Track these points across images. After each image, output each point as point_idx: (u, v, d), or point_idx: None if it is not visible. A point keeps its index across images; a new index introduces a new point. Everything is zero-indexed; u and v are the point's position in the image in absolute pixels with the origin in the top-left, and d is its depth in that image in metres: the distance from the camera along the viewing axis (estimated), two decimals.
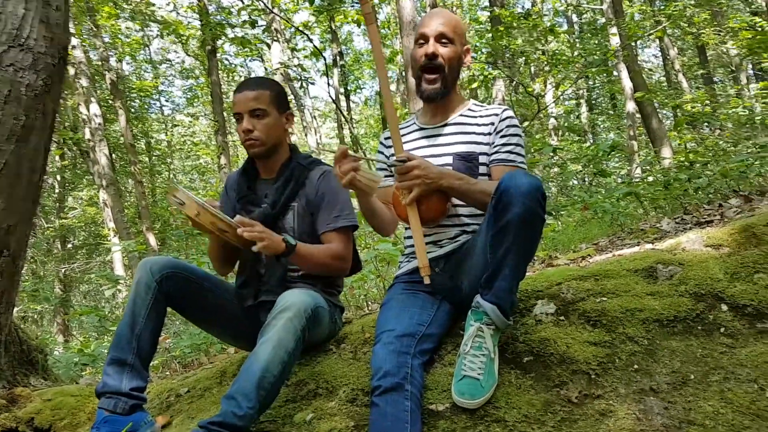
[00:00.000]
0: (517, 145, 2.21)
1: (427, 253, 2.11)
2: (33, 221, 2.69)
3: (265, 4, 8.38)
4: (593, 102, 25.84)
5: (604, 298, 2.15)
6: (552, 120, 16.28)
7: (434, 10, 2.35)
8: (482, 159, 2.20)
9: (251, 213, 2.38)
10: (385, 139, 2.41)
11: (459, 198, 2.13)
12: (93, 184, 16.12)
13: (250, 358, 1.90)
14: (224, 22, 9.79)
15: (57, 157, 18.91)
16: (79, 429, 2.40)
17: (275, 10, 9.43)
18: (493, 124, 2.22)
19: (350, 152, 1.98)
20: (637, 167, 6.66)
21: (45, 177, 2.73)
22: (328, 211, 2.35)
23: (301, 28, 8.61)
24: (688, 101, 9.89)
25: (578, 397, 1.87)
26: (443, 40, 2.17)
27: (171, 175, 22.25)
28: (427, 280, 2.05)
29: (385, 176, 2.38)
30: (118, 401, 2.06)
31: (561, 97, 15.84)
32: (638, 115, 11.47)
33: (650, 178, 7.82)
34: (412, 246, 2.30)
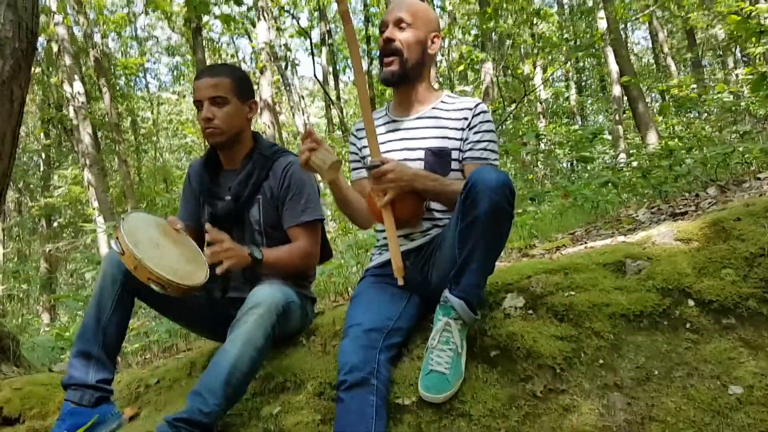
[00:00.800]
0: (490, 141, 2.19)
1: (399, 246, 2.11)
2: (2, 208, 2.65)
3: None
4: (582, 84, 25.86)
5: (572, 293, 2.15)
6: (540, 103, 16.25)
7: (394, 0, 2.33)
8: (454, 155, 2.18)
9: (214, 206, 2.35)
10: (357, 130, 2.38)
11: (433, 199, 2.14)
12: (77, 163, 15.97)
13: (219, 354, 1.89)
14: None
15: (42, 135, 18.75)
16: (48, 418, 2.39)
17: None
18: (466, 119, 2.19)
19: (313, 135, 1.98)
20: (620, 153, 6.67)
21: (14, 163, 2.69)
22: (294, 205, 2.31)
23: (287, 8, 8.49)
24: (675, 85, 9.87)
25: (543, 392, 1.89)
26: (401, 25, 2.16)
27: (158, 154, 22.10)
28: (401, 282, 2.05)
29: (354, 169, 2.36)
30: (84, 393, 2.06)
31: (550, 80, 15.83)
32: (625, 99, 11.47)
33: (634, 163, 7.86)
34: (385, 239, 2.29)
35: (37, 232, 20.80)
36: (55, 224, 20.67)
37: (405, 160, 2.17)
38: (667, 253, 2.21)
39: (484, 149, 2.18)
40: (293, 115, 17.27)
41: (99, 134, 16.98)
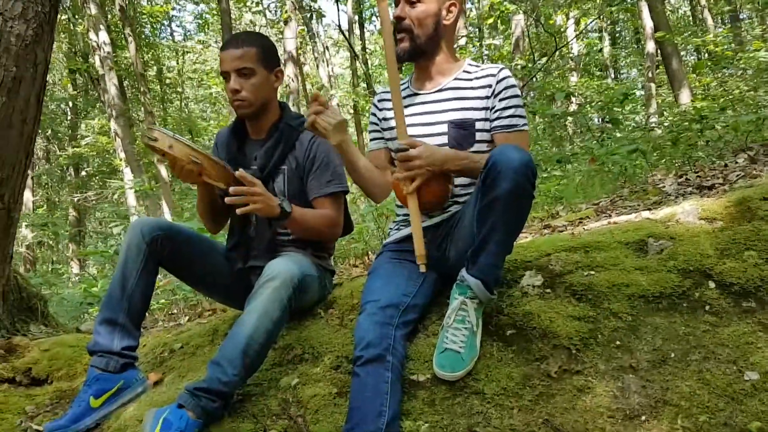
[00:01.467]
0: (517, 106, 2.15)
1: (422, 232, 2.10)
2: (27, 173, 2.69)
3: None
4: (617, 35, 25.10)
5: (592, 272, 2.14)
6: (573, 54, 15.85)
7: None
8: (479, 125, 2.15)
9: None
10: (379, 101, 2.35)
11: (465, 176, 2.11)
12: (104, 112, 16.08)
13: (236, 325, 1.93)
14: None
15: (69, 85, 18.84)
16: (75, 380, 2.47)
17: None
18: (490, 86, 2.15)
19: (319, 98, 1.99)
20: (652, 116, 6.50)
21: (39, 126, 2.71)
22: (320, 176, 2.32)
23: None
24: (711, 41, 9.54)
25: (557, 372, 1.89)
26: (411, 1, 2.12)
27: (183, 104, 22.13)
28: (423, 269, 2.05)
29: (372, 139, 2.35)
30: (109, 360, 2.12)
31: (583, 31, 15.39)
32: (658, 56, 11.14)
33: (666, 123, 7.68)
34: (404, 215, 2.29)
35: (65, 181, 21.13)
36: (83, 173, 20.96)
37: (428, 135, 2.15)
38: (690, 233, 2.18)
39: (512, 116, 2.14)
40: (317, 66, 17.09)
41: (125, 84, 17.03)
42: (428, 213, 2.19)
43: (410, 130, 2.14)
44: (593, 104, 6.85)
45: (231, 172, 2.13)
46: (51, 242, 17.97)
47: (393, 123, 2.11)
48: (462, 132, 2.14)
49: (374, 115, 2.36)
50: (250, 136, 2.44)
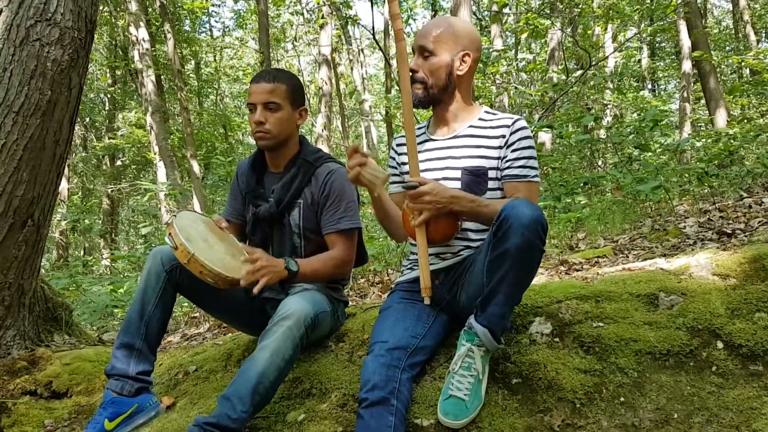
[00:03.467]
0: (529, 158, 2.18)
1: (429, 264, 2.14)
2: (57, 192, 2.79)
3: None
4: (655, 46, 24.72)
5: (601, 324, 2.15)
6: (608, 69, 15.68)
7: (429, 21, 2.32)
8: (491, 174, 2.18)
9: (258, 208, 2.43)
10: (397, 145, 2.40)
11: (471, 219, 2.16)
12: (141, 105, 16.37)
13: (248, 362, 1.99)
14: None
15: (107, 80, 19.22)
16: (94, 395, 2.56)
17: None
18: (504, 136, 2.18)
19: (361, 150, 2.03)
20: (685, 143, 6.41)
21: (71, 147, 2.81)
22: (333, 212, 2.38)
23: None
24: (750, 62, 9.36)
25: (560, 426, 1.92)
26: (425, 54, 2.18)
27: (218, 99, 22.39)
28: (427, 301, 2.09)
29: (392, 183, 2.39)
30: (125, 384, 2.20)
31: (621, 45, 15.21)
32: (695, 72, 10.97)
33: (698, 144, 7.58)
34: (416, 254, 2.33)
35: (100, 169, 21.55)
36: (119, 163, 21.35)
37: (442, 179, 2.19)
38: (702, 290, 2.18)
39: (523, 166, 2.17)
40: (352, 68, 17.18)
41: (162, 77, 17.31)
42: (438, 255, 2.23)
43: (425, 175, 2.18)
44: (625, 126, 6.78)
45: (237, 280, 2.15)
46: (85, 228, 18.32)
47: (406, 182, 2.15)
48: (475, 179, 2.17)
49: (393, 159, 2.42)
50: (269, 169, 2.52)
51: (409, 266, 2.37)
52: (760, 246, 2.34)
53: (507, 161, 2.17)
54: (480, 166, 2.18)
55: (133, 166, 21.22)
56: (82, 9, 2.70)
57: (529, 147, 2.19)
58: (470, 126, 2.24)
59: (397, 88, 16.47)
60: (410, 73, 2.17)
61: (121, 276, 7.11)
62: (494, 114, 2.26)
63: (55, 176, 2.75)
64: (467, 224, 2.20)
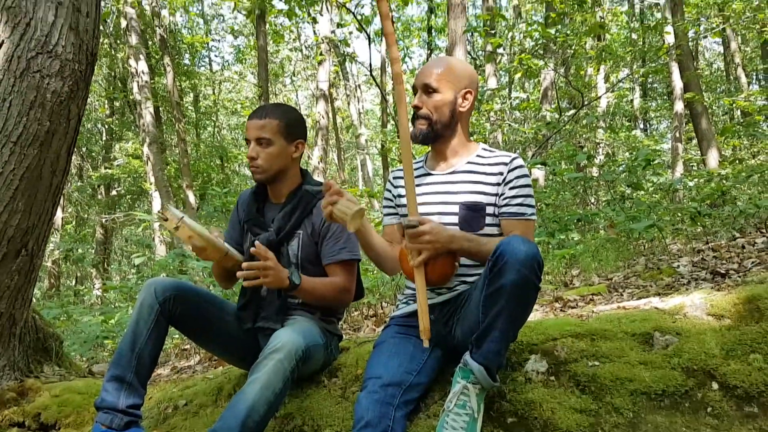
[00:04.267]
0: (527, 196, 2.20)
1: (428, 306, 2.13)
2: (52, 222, 2.78)
3: None
4: (647, 87, 25.08)
5: (597, 362, 2.14)
6: (601, 108, 15.88)
7: (430, 60, 2.36)
8: (489, 209, 2.20)
9: (257, 236, 2.44)
10: (394, 178, 2.42)
11: (468, 258, 2.16)
12: (139, 135, 16.45)
13: (237, 396, 1.97)
14: None
15: (106, 111, 19.34)
16: (83, 428, 2.52)
17: None
18: (501, 173, 2.20)
19: (333, 186, 2.02)
20: (678, 182, 6.48)
21: (68, 177, 2.82)
22: (333, 243, 2.39)
23: (347, 5, 8.52)
24: (742, 105, 9.50)
25: None
26: (429, 90, 2.22)
27: (216, 131, 22.51)
28: (426, 344, 2.07)
29: (386, 214, 2.40)
30: (114, 417, 2.16)
31: (612, 81, 15.43)
32: (687, 113, 11.11)
33: (690, 184, 7.64)
34: (412, 289, 2.32)
35: (95, 199, 21.53)
36: (114, 193, 21.35)
37: (440, 213, 2.20)
38: (697, 330, 2.18)
39: (520, 204, 2.19)
40: (348, 102, 17.33)
41: (161, 108, 17.43)
42: (433, 290, 2.22)
43: (422, 209, 2.19)
44: (618, 164, 6.86)
45: (237, 257, 2.24)
46: (77, 258, 18.22)
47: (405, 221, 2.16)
48: (472, 214, 2.18)
49: (389, 191, 2.43)
50: (270, 200, 2.54)
51: (404, 300, 2.37)
52: (754, 287, 2.34)
53: (504, 199, 2.19)
54: (477, 201, 2.19)
55: (128, 196, 21.22)
56: (83, 42, 2.73)
57: (526, 185, 2.21)
58: (468, 162, 2.26)
59: (393, 123, 16.63)
60: (414, 110, 2.21)
61: (113, 306, 7.05)
62: (492, 151, 2.29)
63: (50, 206, 2.75)
64: (463, 259, 2.20)
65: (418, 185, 2.27)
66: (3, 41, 2.61)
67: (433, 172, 2.31)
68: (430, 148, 2.36)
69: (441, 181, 2.27)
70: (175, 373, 3.75)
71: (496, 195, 2.20)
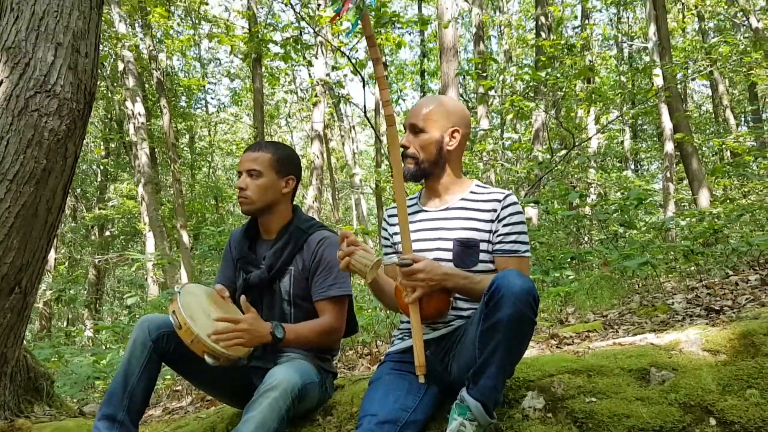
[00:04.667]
0: (520, 233, 2.21)
1: (423, 342, 2.12)
2: (46, 259, 2.78)
3: (308, 23, 8.47)
4: (638, 129, 25.42)
5: (594, 399, 2.13)
6: (592, 149, 16.09)
7: (419, 100, 2.41)
8: (483, 246, 2.21)
9: (249, 274, 2.44)
10: (389, 216, 2.43)
11: (462, 295, 2.17)
12: (134, 176, 16.51)
13: None
14: (269, 38, 9.91)
15: (102, 152, 19.44)
16: None
17: (319, 29, 9.53)
18: (495, 210, 2.22)
19: (348, 239, 2.04)
20: (670, 221, 6.54)
21: (63, 214, 2.82)
22: (323, 279, 2.39)
23: (342, 48, 8.67)
24: (731, 145, 9.64)
25: None
26: (415, 130, 2.26)
27: (211, 172, 22.62)
28: (422, 379, 2.06)
29: (386, 254, 2.41)
30: None
31: (604, 127, 15.65)
32: (677, 153, 11.26)
33: (682, 223, 7.69)
34: (406, 323, 2.32)
35: (89, 240, 21.46)
36: (107, 233, 21.30)
37: (434, 249, 2.21)
38: (693, 365, 2.18)
39: (514, 241, 2.20)
40: (343, 144, 17.49)
41: (156, 151, 17.53)
42: (429, 325, 2.22)
43: (417, 245, 2.20)
44: (609, 203, 6.91)
45: (239, 358, 2.20)
46: (69, 299, 18.08)
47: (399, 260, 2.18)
48: (467, 250, 2.19)
49: (385, 230, 2.45)
50: (262, 236, 2.55)
51: (399, 336, 2.36)
52: (749, 322, 2.35)
53: (498, 236, 2.20)
54: (471, 237, 2.20)
55: (121, 237, 21.17)
56: (81, 81, 2.77)
57: (520, 222, 2.22)
58: (462, 198, 2.28)
59: (387, 163, 16.76)
60: (402, 149, 2.24)
61: (104, 347, 6.97)
62: (485, 188, 2.31)
63: (45, 244, 2.75)
64: (459, 294, 2.20)
65: (412, 222, 2.29)
66: (2, 80, 2.64)
67: (426, 209, 2.33)
68: (423, 186, 2.39)
69: (435, 218, 2.29)
70: (167, 414, 3.69)
71: (489, 231, 2.21)
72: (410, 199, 2.42)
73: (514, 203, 2.25)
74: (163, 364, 2.32)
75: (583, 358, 2.37)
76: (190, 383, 2.55)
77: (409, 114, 2.31)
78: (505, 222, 2.20)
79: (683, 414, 2.03)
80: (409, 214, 2.32)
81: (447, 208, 2.28)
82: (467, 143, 2.45)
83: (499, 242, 2.20)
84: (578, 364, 2.30)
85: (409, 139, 2.26)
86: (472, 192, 2.30)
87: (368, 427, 1.95)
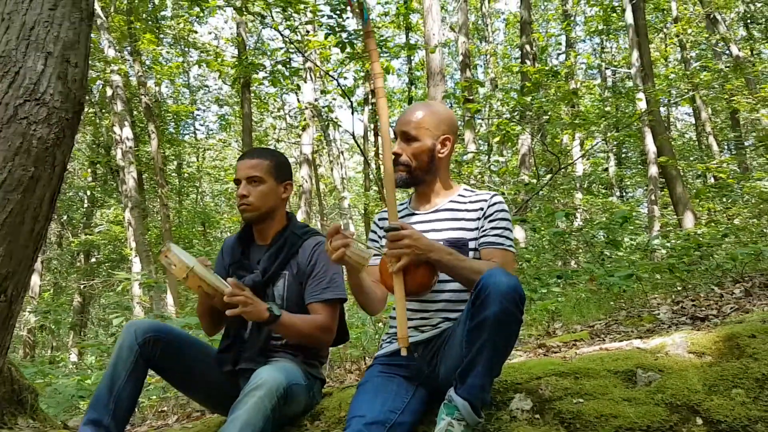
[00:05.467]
0: (505, 228, 2.24)
1: (408, 337, 2.12)
2: (32, 268, 2.76)
3: (297, 47, 8.57)
4: (622, 155, 25.72)
5: (581, 400, 2.13)
6: (577, 176, 16.26)
7: (409, 106, 2.43)
8: (471, 245, 2.23)
9: (242, 278, 2.44)
10: (380, 220, 2.45)
11: (447, 273, 2.15)
12: (120, 202, 16.45)
13: None
14: (258, 61, 10.01)
15: (88, 176, 19.37)
16: None
17: (308, 53, 9.64)
18: (482, 209, 2.25)
19: (343, 230, 2.04)
20: (655, 239, 6.61)
21: (50, 224, 2.81)
22: (317, 282, 2.40)
23: (331, 72, 8.76)
24: (714, 169, 9.79)
25: None
26: (408, 138, 2.28)
27: (199, 198, 22.60)
28: (404, 352, 2.05)
29: (375, 255, 2.42)
30: None
31: (588, 152, 15.85)
32: (662, 179, 11.41)
33: (667, 244, 7.76)
34: (395, 327, 2.32)
35: (75, 266, 21.27)
36: (93, 260, 21.12)
37: None
38: (679, 366, 2.19)
39: (499, 235, 2.22)
40: (332, 168, 17.56)
41: (144, 175, 17.50)
42: (417, 327, 2.22)
43: None
44: (595, 224, 6.98)
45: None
46: (53, 326, 17.86)
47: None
48: (456, 249, 2.21)
49: (374, 232, 2.46)
50: (256, 242, 2.57)
51: (388, 340, 2.36)
52: (734, 326, 2.37)
53: (484, 230, 2.23)
54: (460, 237, 2.23)
55: (106, 264, 20.98)
56: (71, 91, 2.79)
57: (506, 219, 2.25)
58: (450, 201, 2.32)
59: (375, 188, 16.82)
60: (394, 156, 2.25)
61: (89, 371, 6.87)
62: (473, 191, 2.35)
63: (31, 252, 2.73)
64: (446, 296, 2.21)
65: None
66: None
67: (416, 212, 2.36)
68: (413, 190, 2.41)
69: (425, 220, 2.31)
70: (154, 430, 3.64)
71: (476, 229, 2.24)
72: (400, 204, 2.45)
73: (501, 202, 2.29)
74: (150, 372, 2.31)
75: (570, 362, 2.38)
76: (177, 389, 2.52)
77: (400, 121, 2.32)
78: (491, 218, 2.23)
79: (670, 414, 2.04)
80: (400, 218, 2.34)
81: (436, 210, 2.32)
82: (452, 167, 2.48)
83: (484, 235, 2.22)
84: (565, 367, 2.31)
85: (401, 147, 2.28)
86: (460, 195, 2.33)
87: (356, 427, 1.94)
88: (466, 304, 2.00)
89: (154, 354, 2.24)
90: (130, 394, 2.19)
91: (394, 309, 2.33)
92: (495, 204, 2.25)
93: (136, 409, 3.57)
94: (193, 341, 2.41)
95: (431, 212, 2.32)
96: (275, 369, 2.11)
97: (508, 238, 2.24)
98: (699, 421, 2.01)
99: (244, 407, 1.95)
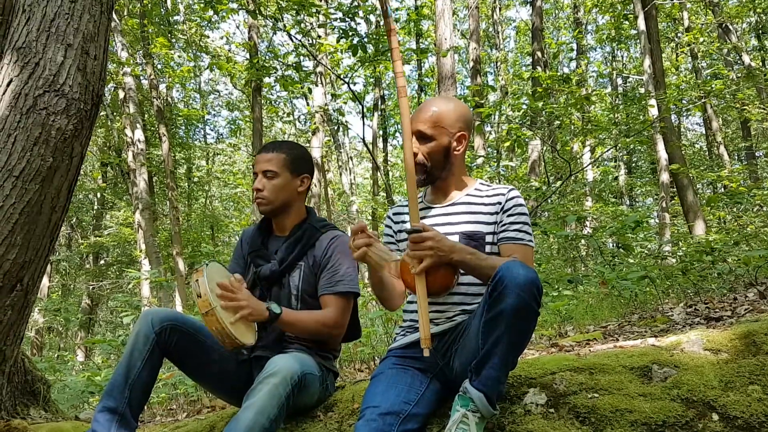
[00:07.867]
0: (524, 223, 2.24)
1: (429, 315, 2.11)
2: (48, 258, 2.78)
3: (309, 50, 8.61)
4: (632, 164, 25.66)
5: (596, 394, 2.12)
6: (587, 180, 16.21)
7: (423, 103, 2.41)
8: (488, 238, 2.23)
9: (260, 267, 2.46)
10: (394, 214, 2.45)
11: (469, 273, 2.15)
12: (131, 205, 16.52)
13: (232, 423, 1.93)
14: (270, 64, 10.05)
15: (99, 177, 19.48)
16: None
17: (320, 57, 9.69)
18: (499, 203, 2.25)
19: (368, 229, 2.05)
20: (665, 243, 6.60)
21: (66, 215, 2.83)
22: (331, 275, 2.41)
23: (342, 76, 8.79)
24: (725, 177, 9.75)
25: None
26: (423, 137, 2.26)
27: (208, 201, 22.66)
28: (426, 353, 2.04)
29: (396, 259, 2.42)
30: None
31: (598, 160, 15.82)
32: (673, 186, 11.37)
33: (678, 253, 7.73)
34: (411, 321, 2.32)
35: (83, 268, 21.36)
36: (102, 262, 21.21)
37: None
38: (695, 363, 2.18)
39: (518, 230, 2.22)
40: (341, 174, 17.58)
41: (154, 179, 17.58)
42: (432, 320, 2.21)
43: None
44: (606, 229, 6.96)
45: (243, 344, 2.22)
46: (60, 328, 17.94)
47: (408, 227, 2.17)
48: (473, 243, 2.21)
49: (389, 227, 2.46)
50: (275, 233, 2.59)
51: (402, 332, 2.36)
52: (750, 324, 2.36)
53: (503, 225, 2.23)
54: (477, 230, 2.23)
55: (115, 266, 21.07)
56: (90, 83, 2.82)
57: (524, 213, 2.25)
58: (467, 194, 2.32)
59: (383, 194, 16.83)
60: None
61: (98, 369, 6.90)
62: (489, 185, 2.35)
63: (48, 242, 2.75)
64: (462, 288, 2.21)
65: (420, 217, 2.31)
66: (12, 79, 2.68)
67: (432, 206, 2.36)
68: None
69: (441, 213, 2.31)
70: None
71: (494, 224, 2.24)
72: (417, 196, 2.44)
73: (518, 196, 2.28)
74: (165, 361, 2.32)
75: (584, 358, 2.37)
76: (191, 378, 2.53)
77: (414, 118, 2.29)
78: (509, 213, 2.23)
79: (686, 409, 2.02)
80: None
81: (452, 204, 2.31)
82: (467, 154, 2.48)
83: (504, 230, 2.22)
84: (580, 362, 2.30)
85: (416, 147, 2.25)
86: (476, 189, 2.33)
87: (370, 417, 1.94)
88: (483, 295, 1.99)
89: (170, 343, 2.24)
90: (145, 382, 2.20)
91: (408, 303, 2.34)
92: (513, 198, 2.25)
93: (145, 407, 3.58)
94: (207, 331, 2.42)
95: (447, 205, 2.32)
96: (290, 357, 2.11)
97: (527, 233, 2.23)
98: (715, 416, 2.00)
99: (258, 394, 1.96)
